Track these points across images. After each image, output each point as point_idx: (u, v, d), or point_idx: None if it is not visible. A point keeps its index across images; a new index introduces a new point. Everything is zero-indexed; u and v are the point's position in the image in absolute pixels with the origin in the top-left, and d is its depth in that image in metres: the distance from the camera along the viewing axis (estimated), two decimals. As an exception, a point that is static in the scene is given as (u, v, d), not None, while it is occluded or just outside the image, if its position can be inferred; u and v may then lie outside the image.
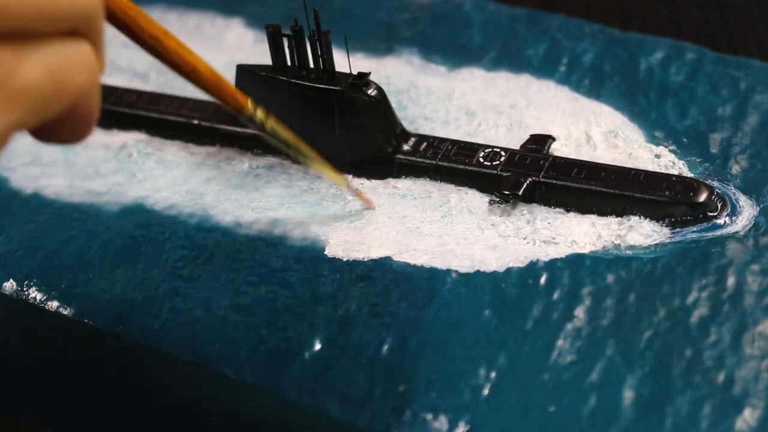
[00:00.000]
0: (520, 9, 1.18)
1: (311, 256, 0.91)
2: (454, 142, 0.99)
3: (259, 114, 0.82)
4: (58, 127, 0.61)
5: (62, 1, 0.57)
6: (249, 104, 0.81)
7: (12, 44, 0.55)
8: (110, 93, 1.10)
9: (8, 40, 0.55)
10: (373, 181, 0.99)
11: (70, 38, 0.58)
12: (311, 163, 0.89)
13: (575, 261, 0.88)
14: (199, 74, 0.74)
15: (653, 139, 0.99)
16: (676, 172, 0.95)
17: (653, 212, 0.91)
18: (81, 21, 0.58)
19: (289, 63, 0.98)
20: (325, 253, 0.91)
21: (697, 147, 0.98)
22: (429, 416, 0.78)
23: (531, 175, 0.94)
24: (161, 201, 0.98)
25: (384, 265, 0.89)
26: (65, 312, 0.90)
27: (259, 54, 1.09)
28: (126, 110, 1.07)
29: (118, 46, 1.18)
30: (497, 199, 0.94)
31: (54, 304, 0.91)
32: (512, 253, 0.89)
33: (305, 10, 0.93)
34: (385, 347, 0.83)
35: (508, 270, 0.88)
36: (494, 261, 0.89)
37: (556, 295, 0.85)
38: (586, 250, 0.89)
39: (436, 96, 1.07)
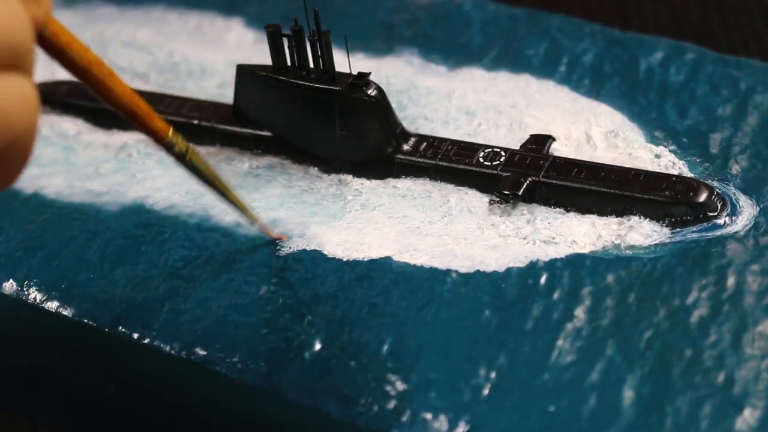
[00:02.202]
0: (520, 9, 1.18)
1: (311, 256, 0.91)
2: (454, 142, 0.99)
3: (180, 144, 0.81)
4: None
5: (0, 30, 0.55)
6: (170, 133, 0.79)
7: None
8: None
9: None
10: (373, 181, 0.99)
11: (7, 72, 0.56)
12: (227, 199, 0.88)
13: (575, 261, 0.88)
14: (118, 103, 0.73)
15: (653, 139, 0.99)
16: (676, 172, 0.95)
17: (653, 212, 0.91)
18: (17, 54, 0.56)
19: (289, 63, 0.98)
20: (325, 253, 0.91)
21: (697, 147, 0.98)
22: (429, 416, 0.78)
23: (531, 175, 0.94)
24: (161, 201, 0.98)
25: (384, 265, 0.89)
26: (65, 312, 0.90)
27: (259, 54, 1.09)
28: (126, 110, 1.07)
29: (117, 46, 1.19)
30: (497, 199, 0.94)
31: (54, 304, 0.91)
32: (512, 253, 0.89)
33: (305, 10, 0.93)
34: (385, 347, 0.83)
35: (508, 270, 0.88)
36: (494, 261, 0.89)
37: (556, 295, 0.85)
38: (586, 250, 0.89)
39: (436, 96, 1.07)
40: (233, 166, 1.02)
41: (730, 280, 0.85)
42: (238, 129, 1.04)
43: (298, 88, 0.97)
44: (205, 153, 1.03)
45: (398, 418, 0.79)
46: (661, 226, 0.91)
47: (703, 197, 0.91)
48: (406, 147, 0.99)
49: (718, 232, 0.89)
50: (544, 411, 0.78)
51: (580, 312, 0.84)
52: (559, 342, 0.82)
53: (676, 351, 0.80)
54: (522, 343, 0.82)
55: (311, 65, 0.97)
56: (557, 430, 0.77)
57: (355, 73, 0.97)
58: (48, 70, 1.16)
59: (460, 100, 1.06)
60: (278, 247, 0.92)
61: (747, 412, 0.76)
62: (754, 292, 0.84)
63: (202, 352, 0.85)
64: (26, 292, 0.92)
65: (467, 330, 0.83)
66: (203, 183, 0.86)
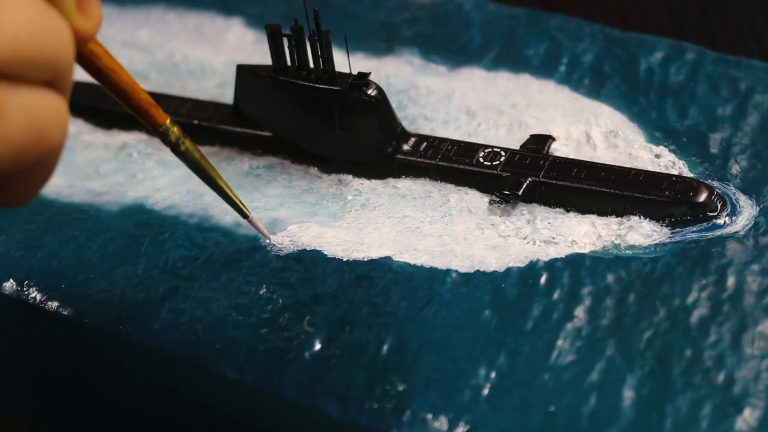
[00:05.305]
0: (520, 9, 1.18)
1: (311, 256, 0.91)
2: (454, 142, 0.99)
3: (175, 133, 0.81)
4: (7, 184, 0.58)
5: (45, 46, 0.56)
6: (167, 122, 0.80)
7: None
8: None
9: None
10: (373, 181, 0.99)
11: (46, 88, 0.57)
12: (219, 190, 0.88)
13: (575, 261, 0.88)
14: (122, 94, 0.74)
15: (653, 139, 0.99)
16: (676, 172, 0.95)
17: (653, 212, 0.91)
18: (58, 71, 0.57)
19: (289, 63, 0.98)
20: (325, 253, 0.91)
21: (697, 147, 0.98)
22: (429, 416, 0.78)
23: (531, 175, 0.94)
24: (161, 201, 0.98)
25: (384, 265, 0.89)
26: (65, 312, 0.90)
27: (259, 54, 1.09)
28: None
29: (117, 46, 1.19)
30: (497, 199, 0.94)
31: (54, 304, 0.91)
32: (512, 253, 0.89)
33: (305, 10, 0.93)
34: (385, 347, 0.83)
35: (508, 270, 0.88)
36: (494, 261, 0.89)
37: (556, 295, 0.85)
38: (586, 250, 0.89)
39: (436, 96, 1.07)
40: (233, 166, 1.02)
41: (730, 280, 0.85)
42: (238, 129, 1.04)
43: (298, 88, 0.97)
44: (206, 153, 1.03)
45: (398, 418, 0.78)
46: (661, 226, 0.91)
47: (703, 197, 0.91)
48: (406, 147, 0.99)
49: (718, 232, 0.89)
50: (544, 411, 0.78)
51: (580, 312, 0.84)
52: (559, 342, 0.82)
53: (676, 351, 0.80)
54: (522, 343, 0.82)
55: (311, 65, 0.97)
56: (557, 430, 0.77)
57: (355, 73, 0.97)
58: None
59: (460, 100, 1.06)
60: (278, 247, 0.92)
61: (747, 412, 0.76)
62: (754, 292, 0.84)
63: (202, 352, 0.85)
64: (26, 292, 0.92)
65: (467, 330, 0.83)
66: (198, 175, 0.86)
